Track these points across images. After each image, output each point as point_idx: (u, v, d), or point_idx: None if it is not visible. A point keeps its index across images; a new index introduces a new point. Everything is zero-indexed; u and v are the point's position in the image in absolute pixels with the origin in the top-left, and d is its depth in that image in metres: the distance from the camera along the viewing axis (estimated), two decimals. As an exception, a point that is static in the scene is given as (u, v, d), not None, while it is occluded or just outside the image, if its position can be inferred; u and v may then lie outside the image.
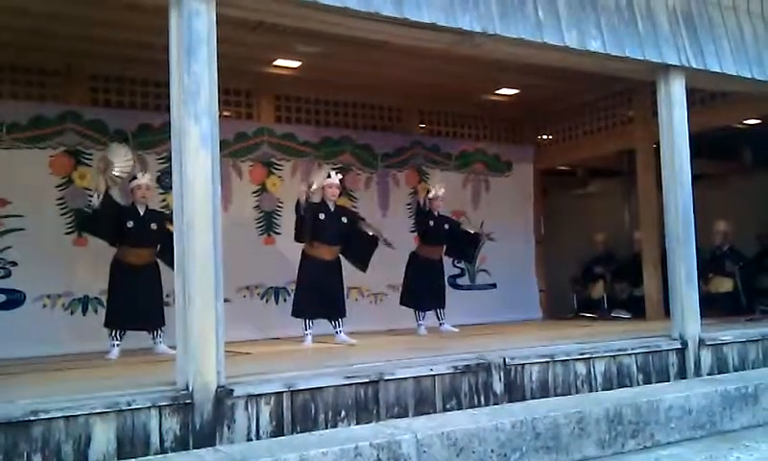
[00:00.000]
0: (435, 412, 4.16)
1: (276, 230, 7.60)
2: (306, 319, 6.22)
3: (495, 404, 4.38)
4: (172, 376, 3.60)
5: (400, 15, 4.26)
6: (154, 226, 5.82)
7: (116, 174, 5.68)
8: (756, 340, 5.86)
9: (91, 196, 5.71)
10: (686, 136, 5.57)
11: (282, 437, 3.61)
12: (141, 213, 5.83)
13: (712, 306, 7.37)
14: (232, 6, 3.94)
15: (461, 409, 4.25)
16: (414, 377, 4.16)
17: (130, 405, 3.31)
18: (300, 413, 3.77)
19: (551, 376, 4.72)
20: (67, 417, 3.18)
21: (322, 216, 6.21)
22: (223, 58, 3.78)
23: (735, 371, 5.60)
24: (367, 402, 3.99)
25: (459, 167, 8.93)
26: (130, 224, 5.74)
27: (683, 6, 5.58)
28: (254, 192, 7.59)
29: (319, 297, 6.17)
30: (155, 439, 3.37)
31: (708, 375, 5.43)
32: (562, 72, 6.57)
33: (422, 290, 7.18)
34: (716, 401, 4.58)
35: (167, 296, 5.72)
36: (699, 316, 5.49)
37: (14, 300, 6.29)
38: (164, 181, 6.82)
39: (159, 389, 3.50)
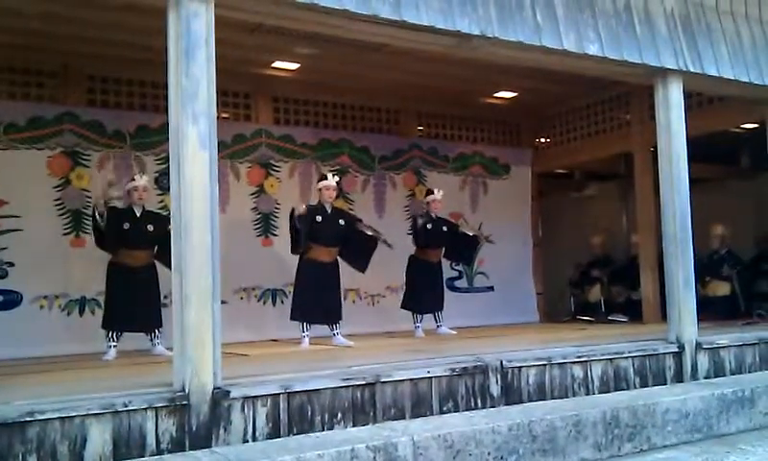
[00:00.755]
0: (432, 414, 4.16)
1: (274, 232, 7.59)
2: (305, 323, 6.22)
3: (492, 407, 4.38)
4: (168, 377, 3.60)
5: (399, 18, 4.27)
6: (150, 227, 5.81)
7: (116, 195, 5.77)
8: (753, 344, 5.86)
9: (97, 214, 5.65)
10: (684, 140, 5.57)
11: (279, 439, 3.61)
12: (138, 215, 5.82)
13: (709, 310, 7.37)
14: (231, 8, 3.95)
15: (458, 412, 4.25)
16: (411, 380, 4.16)
17: (126, 406, 3.31)
18: (296, 415, 3.77)
19: (548, 379, 4.72)
20: (63, 418, 3.18)
21: (319, 218, 6.21)
22: (221, 59, 3.77)
23: (732, 374, 5.61)
24: (363, 404, 3.98)
25: (457, 170, 8.94)
26: (126, 225, 5.73)
27: (680, 10, 5.59)
28: (252, 194, 7.59)
29: (317, 300, 6.16)
30: (151, 440, 3.36)
31: (705, 378, 5.43)
32: (559, 75, 6.60)
33: (423, 293, 7.19)
34: (713, 405, 4.59)
35: (165, 297, 5.72)
36: (696, 320, 5.50)
37: (11, 300, 6.28)
38: (162, 182, 6.83)
39: (156, 390, 3.49)
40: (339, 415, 3.89)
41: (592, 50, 5.06)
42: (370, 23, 4.30)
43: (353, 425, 3.89)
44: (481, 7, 4.60)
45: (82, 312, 6.55)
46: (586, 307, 9.35)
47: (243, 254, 7.06)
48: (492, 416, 3.92)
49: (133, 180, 5.90)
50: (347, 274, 6.58)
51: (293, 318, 6.27)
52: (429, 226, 7.17)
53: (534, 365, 4.67)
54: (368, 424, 3.92)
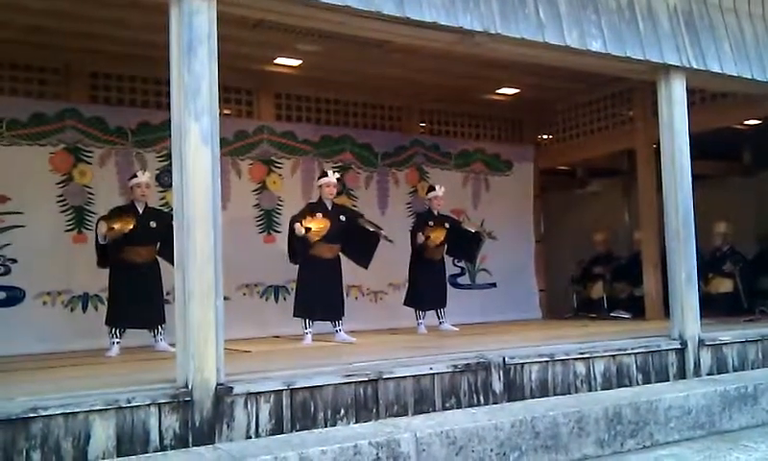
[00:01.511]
0: (434, 411, 4.17)
1: (276, 229, 7.59)
2: (307, 319, 6.23)
3: (495, 403, 4.38)
4: (172, 373, 3.60)
5: (401, 14, 4.26)
6: (153, 224, 5.80)
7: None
8: (756, 340, 5.86)
9: (100, 237, 5.64)
10: (687, 137, 5.56)
11: (281, 435, 3.61)
12: (140, 211, 5.82)
13: (712, 307, 7.37)
14: (233, 4, 3.94)
15: (460, 408, 4.25)
16: (413, 376, 4.16)
17: (129, 403, 3.31)
18: (299, 411, 3.77)
19: (550, 376, 4.73)
20: (66, 414, 3.18)
21: (319, 215, 6.21)
22: (223, 56, 3.77)
23: (735, 371, 5.60)
24: (366, 401, 3.99)
25: (459, 166, 8.93)
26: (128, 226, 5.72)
27: (683, 6, 5.58)
28: (254, 190, 7.58)
29: (319, 297, 6.17)
30: (154, 436, 3.37)
31: (708, 375, 5.43)
32: (562, 72, 6.58)
33: (426, 290, 7.20)
34: (715, 402, 4.58)
35: (167, 293, 5.73)
36: (699, 316, 5.49)
37: (14, 297, 6.28)
38: (164, 179, 6.82)
39: (159, 386, 3.50)
40: (342, 411, 3.90)
41: (595, 46, 5.05)
42: (372, 19, 4.29)
43: (356, 422, 3.90)
44: (483, 3, 4.59)
45: (85, 308, 6.56)
46: (588, 304, 9.34)
47: (245, 250, 7.06)
48: (495, 412, 3.92)
49: (136, 176, 5.91)
50: (349, 270, 6.59)
51: (295, 314, 6.28)
52: (431, 223, 7.17)
53: (536, 361, 4.67)
54: (370, 420, 3.92)
